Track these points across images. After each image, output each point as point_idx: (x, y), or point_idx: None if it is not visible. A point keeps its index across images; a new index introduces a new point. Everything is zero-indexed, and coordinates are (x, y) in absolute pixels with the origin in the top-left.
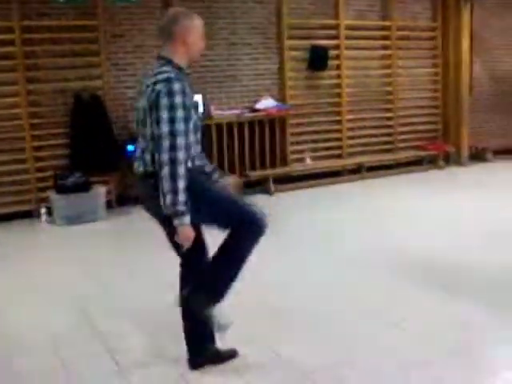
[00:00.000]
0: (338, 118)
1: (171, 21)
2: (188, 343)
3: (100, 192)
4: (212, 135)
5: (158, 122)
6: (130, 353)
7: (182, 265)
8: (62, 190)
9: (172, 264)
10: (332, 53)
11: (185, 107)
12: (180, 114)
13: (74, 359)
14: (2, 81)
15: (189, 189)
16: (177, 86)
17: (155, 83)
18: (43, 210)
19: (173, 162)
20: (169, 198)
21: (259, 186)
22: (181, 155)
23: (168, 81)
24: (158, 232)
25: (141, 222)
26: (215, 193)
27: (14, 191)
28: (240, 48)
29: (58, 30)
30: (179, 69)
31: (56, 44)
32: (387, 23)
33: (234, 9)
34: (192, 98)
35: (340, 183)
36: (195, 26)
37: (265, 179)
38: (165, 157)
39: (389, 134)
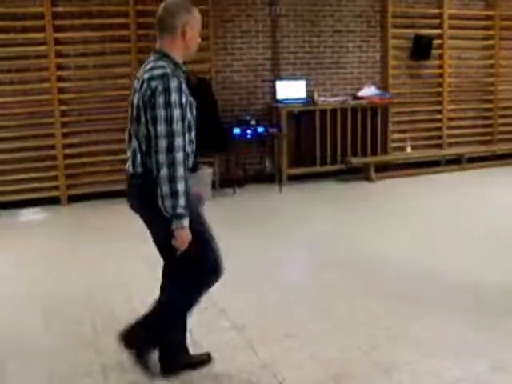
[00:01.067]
0: (438, 107)
1: (171, 13)
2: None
3: (208, 173)
4: (315, 121)
5: (154, 121)
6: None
7: (164, 268)
8: None
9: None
10: (435, 42)
11: (182, 105)
12: (177, 112)
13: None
14: (115, 63)
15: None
16: (173, 83)
17: (150, 79)
18: None
19: (171, 164)
20: (168, 201)
21: (360, 172)
22: (180, 156)
23: (164, 77)
24: (264, 212)
25: (245, 203)
26: (197, 226)
27: (118, 170)
28: (344, 35)
29: None
30: (175, 64)
31: None
32: (491, 13)
33: None
34: (188, 95)
35: (439, 173)
36: (195, 20)
37: (366, 166)
38: (162, 158)
39: (489, 125)
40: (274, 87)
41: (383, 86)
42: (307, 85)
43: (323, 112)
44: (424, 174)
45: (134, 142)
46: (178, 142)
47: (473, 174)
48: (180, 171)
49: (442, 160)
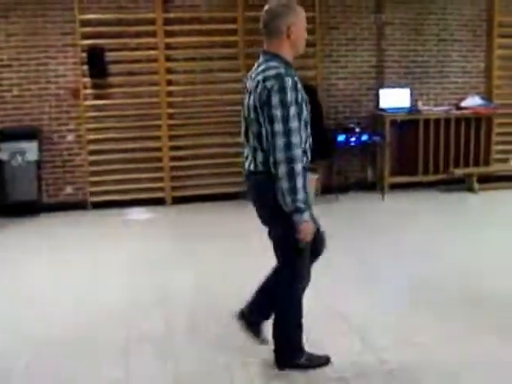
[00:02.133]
0: None
1: (276, 15)
2: (278, 347)
3: (314, 178)
4: (419, 130)
5: (271, 120)
6: None
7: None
8: None
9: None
10: None
11: (297, 103)
12: (293, 111)
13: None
14: (223, 68)
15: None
16: (288, 82)
17: (265, 80)
18: None
19: (289, 161)
20: (288, 198)
21: (461, 183)
22: (297, 153)
23: (279, 77)
24: (368, 220)
25: (348, 210)
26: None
27: (221, 173)
28: (449, 44)
29: None
30: (287, 63)
31: None
32: None
33: (446, 5)
34: (303, 93)
35: None
36: (300, 19)
37: (468, 177)
38: (281, 156)
39: None
40: (377, 95)
41: (487, 96)
42: (411, 94)
43: (427, 121)
44: None
45: (255, 142)
46: (295, 139)
47: None
48: (298, 168)
49: None
